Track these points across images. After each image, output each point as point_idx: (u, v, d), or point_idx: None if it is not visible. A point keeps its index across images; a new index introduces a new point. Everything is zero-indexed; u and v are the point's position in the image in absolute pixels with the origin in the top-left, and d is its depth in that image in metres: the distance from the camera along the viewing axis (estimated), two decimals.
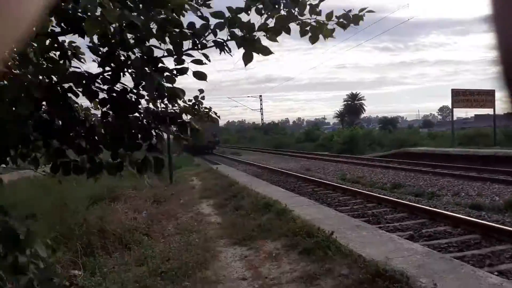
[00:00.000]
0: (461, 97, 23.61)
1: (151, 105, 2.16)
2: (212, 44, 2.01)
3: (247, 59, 1.98)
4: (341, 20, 1.98)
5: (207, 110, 2.35)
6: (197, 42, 2.00)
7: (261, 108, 54.25)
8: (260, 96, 54.90)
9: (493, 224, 6.67)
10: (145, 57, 1.90)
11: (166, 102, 2.12)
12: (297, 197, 8.84)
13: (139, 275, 4.57)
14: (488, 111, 25.79)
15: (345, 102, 74.45)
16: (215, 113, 2.44)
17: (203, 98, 2.32)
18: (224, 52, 2.01)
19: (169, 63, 2.04)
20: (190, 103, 2.27)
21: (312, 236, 4.95)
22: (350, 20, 1.98)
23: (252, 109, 55.96)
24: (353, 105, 73.30)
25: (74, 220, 5.74)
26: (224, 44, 1.99)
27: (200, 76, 2.03)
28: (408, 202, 8.94)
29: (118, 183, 11.70)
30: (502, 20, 0.36)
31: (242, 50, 1.98)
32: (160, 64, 1.98)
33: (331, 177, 15.43)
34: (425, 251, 4.29)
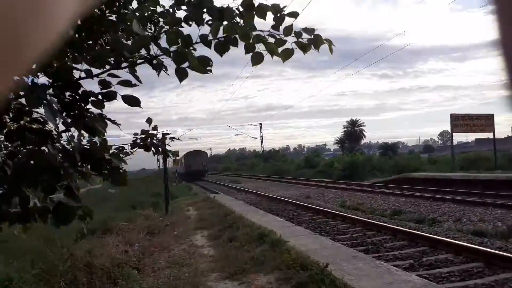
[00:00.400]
0: (460, 121, 23.58)
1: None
2: (143, 60, 1.76)
3: (181, 75, 1.71)
4: (301, 39, 1.71)
5: (156, 144, 2.14)
6: (123, 59, 1.74)
7: (261, 136, 54.28)
8: (260, 124, 55.02)
9: (496, 252, 6.44)
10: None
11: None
12: (294, 227, 8.59)
13: None
14: (488, 135, 25.70)
15: (345, 129, 74.64)
16: (172, 152, 2.23)
17: (155, 128, 2.13)
18: (156, 70, 1.76)
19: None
20: (143, 135, 2.08)
21: (306, 269, 4.72)
22: (311, 40, 1.71)
23: (253, 137, 55.84)
24: (353, 131, 73.42)
25: (59, 255, 5.50)
26: (154, 60, 1.73)
27: (131, 101, 1.73)
28: (408, 230, 8.71)
29: (111, 215, 11.50)
30: (510, 44, 0.36)
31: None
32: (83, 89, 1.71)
33: (331, 204, 15.18)
34: (423, 283, 4.06)
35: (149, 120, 2.13)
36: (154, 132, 2.11)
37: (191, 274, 5.66)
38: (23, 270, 4.84)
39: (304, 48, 1.75)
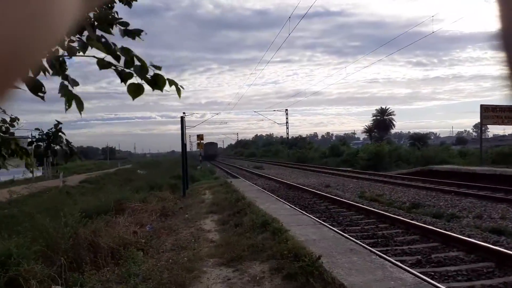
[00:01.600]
0: (491, 113, 22.43)
1: None
2: None
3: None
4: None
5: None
6: None
7: (287, 122, 53.84)
8: (286, 110, 54.41)
9: (510, 252, 6.11)
10: None
11: None
12: (300, 215, 8.48)
13: None
14: None
15: (374, 117, 72.84)
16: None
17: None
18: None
19: None
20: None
21: (299, 260, 4.63)
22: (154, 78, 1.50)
23: (279, 123, 55.61)
24: (382, 120, 71.56)
25: (62, 233, 5.65)
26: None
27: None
28: (421, 224, 8.42)
29: (127, 195, 11.75)
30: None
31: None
32: None
33: (350, 194, 14.93)
34: (415, 282, 3.88)
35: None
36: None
37: (190, 258, 5.69)
38: (24, 246, 4.99)
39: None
